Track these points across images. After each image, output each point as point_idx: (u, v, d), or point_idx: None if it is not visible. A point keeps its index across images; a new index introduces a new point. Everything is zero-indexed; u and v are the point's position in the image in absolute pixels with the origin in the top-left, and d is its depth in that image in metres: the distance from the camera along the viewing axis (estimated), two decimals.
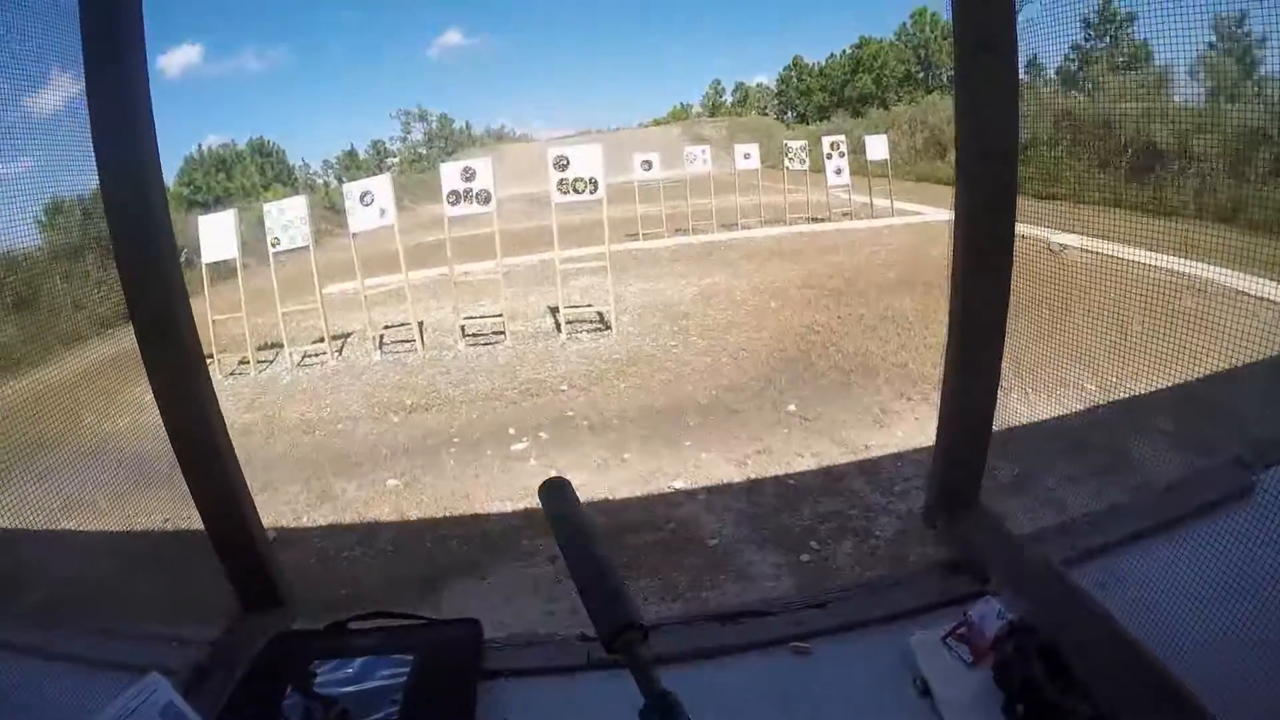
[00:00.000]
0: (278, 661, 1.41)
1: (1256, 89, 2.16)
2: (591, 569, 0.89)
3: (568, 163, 8.98)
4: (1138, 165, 2.60)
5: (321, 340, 8.93)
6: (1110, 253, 1.75)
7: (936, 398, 6.11)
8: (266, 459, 6.16)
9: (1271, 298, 1.79)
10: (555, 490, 1.06)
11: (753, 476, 5.85)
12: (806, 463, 6.04)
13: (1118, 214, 1.81)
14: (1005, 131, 1.60)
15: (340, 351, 8.97)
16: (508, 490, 5.65)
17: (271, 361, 9.09)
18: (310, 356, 8.95)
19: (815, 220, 15.24)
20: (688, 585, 4.56)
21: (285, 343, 8.99)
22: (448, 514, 5.36)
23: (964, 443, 1.86)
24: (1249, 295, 1.89)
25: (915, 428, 6.52)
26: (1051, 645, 1.38)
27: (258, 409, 7.43)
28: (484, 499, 5.54)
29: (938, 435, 1.89)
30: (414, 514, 5.35)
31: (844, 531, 5.13)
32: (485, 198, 8.77)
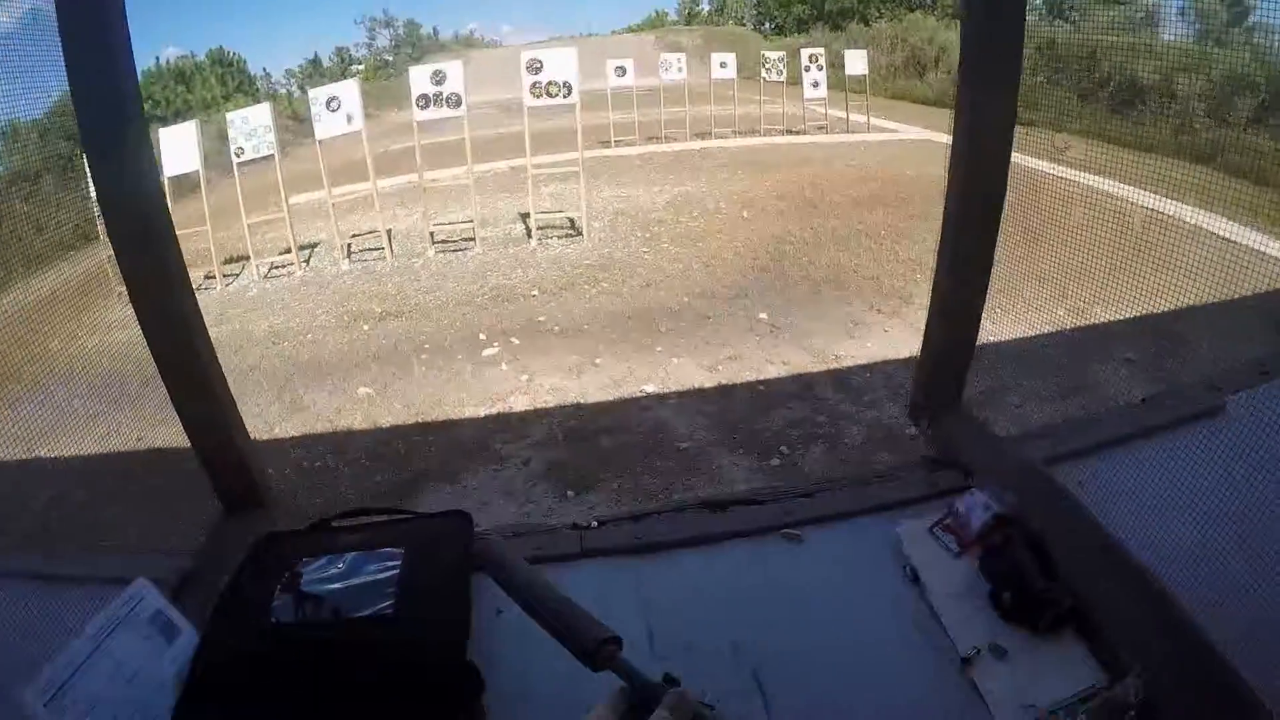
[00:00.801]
0: (264, 563, 1.36)
1: (1245, 36, 2.16)
2: (550, 605, 0.99)
3: (541, 66, 8.69)
4: (1120, 99, 2.59)
5: (288, 251, 8.68)
6: (1085, 183, 1.75)
7: (907, 311, 6.23)
8: (237, 371, 6.04)
9: (1239, 240, 1.82)
10: (486, 548, 1.15)
11: (724, 382, 5.90)
12: (777, 370, 6.11)
13: (1097, 145, 1.80)
14: (1010, 58, 1.57)
15: (308, 262, 8.76)
16: (480, 395, 5.65)
17: (238, 275, 8.83)
18: (277, 268, 8.73)
19: (790, 133, 15.01)
20: (660, 487, 4.65)
21: (251, 255, 8.71)
22: (420, 420, 5.36)
23: (951, 345, 1.89)
24: (1216, 235, 1.91)
25: (885, 340, 6.60)
26: (1038, 538, 1.43)
27: (226, 322, 7.25)
28: (456, 404, 5.54)
29: (925, 337, 1.92)
30: (386, 421, 5.33)
31: (813, 438, 5.23)
32: (456, 101, 8.48)
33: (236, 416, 1.67)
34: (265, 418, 5.36)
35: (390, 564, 1.31)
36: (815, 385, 5.92)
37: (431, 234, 8.78)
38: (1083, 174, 1.89)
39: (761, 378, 5.99)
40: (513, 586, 1.06)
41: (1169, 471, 1.73)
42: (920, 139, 14.05)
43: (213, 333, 1.64)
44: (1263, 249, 1.78)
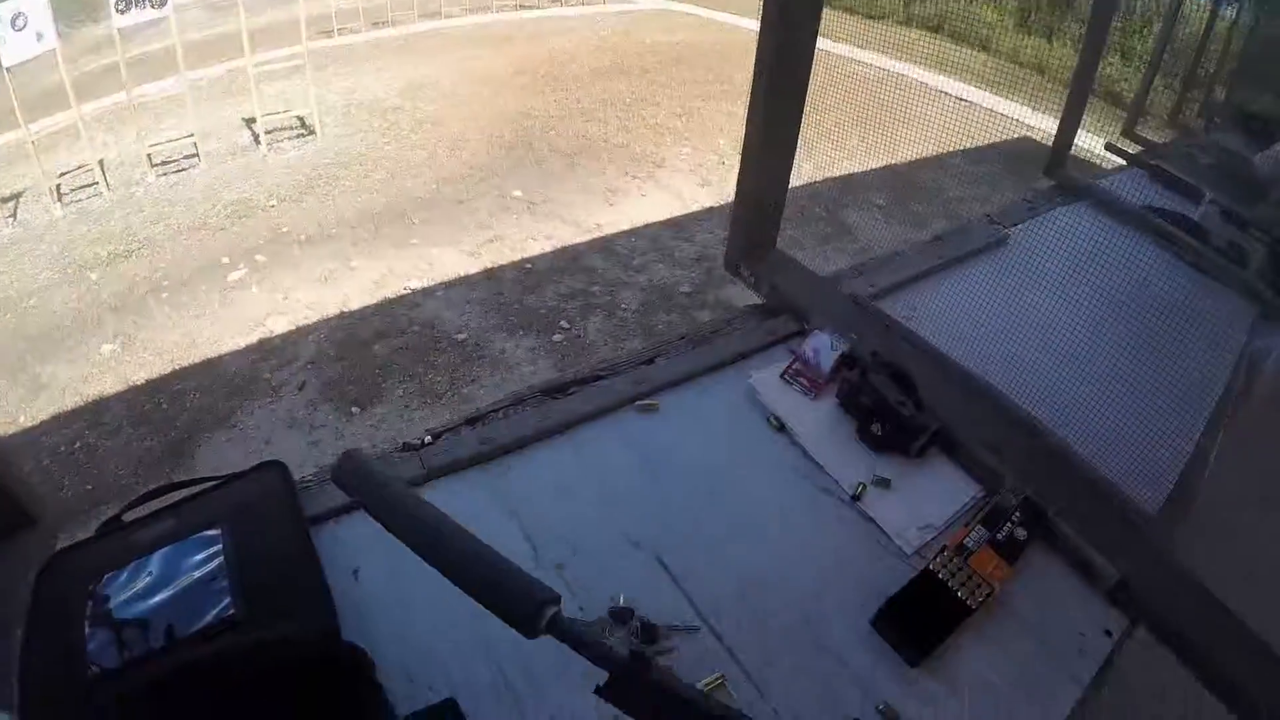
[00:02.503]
0: (59, 596, 1.01)
1: None
2: (474, 562, 0.79)
3: None
4: None
5: None
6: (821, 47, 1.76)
7: (661, 175, 6.26)
8: None
9: (967, 98, 1.92)
10: (359, 474, 0.88)
11: (489, 265, 5.69)
12: (541, 246, 5.98)
13: (832, 13, 1.80)
14: None
15: (14, 216, 7.24)
16: (235, 325, 5.02)
17: None
18: None
19: (524, 7, 14.33)
20: (447, 384, 4.46)
21: None
22: (176, 366, 4.66)
23: (766, 195, 1.87)
24: (949, 95, 2.01)
25: (643, 204, 6.65)
26: (897, 367, 1.45)
27: None
28: (212, 340, 4.88)
29: (737, 193, 1.88)
30: (140, 377, 4.60)
31: (590, 308, 5.22)
32: (161, 0, 7.23)
33: None
34: (5, 408, 4.50)
35: (211, 550, 1.04)
36: (582, 257, 5.87)
37: (149, 156, 7.56)
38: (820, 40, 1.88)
39: (526, 256, 5.84)
40: (414, 533, 0.82)
41: (975, 295, 1.84)
42: (657, 9, 13.94)
43: None
44: (993, 107, 1.88)
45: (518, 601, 0.74)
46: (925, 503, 1.33)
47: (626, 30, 12.52)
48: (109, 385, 4.58)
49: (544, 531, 1.24)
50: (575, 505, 1.30)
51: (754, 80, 1.69)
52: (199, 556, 1.03)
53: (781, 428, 1.48)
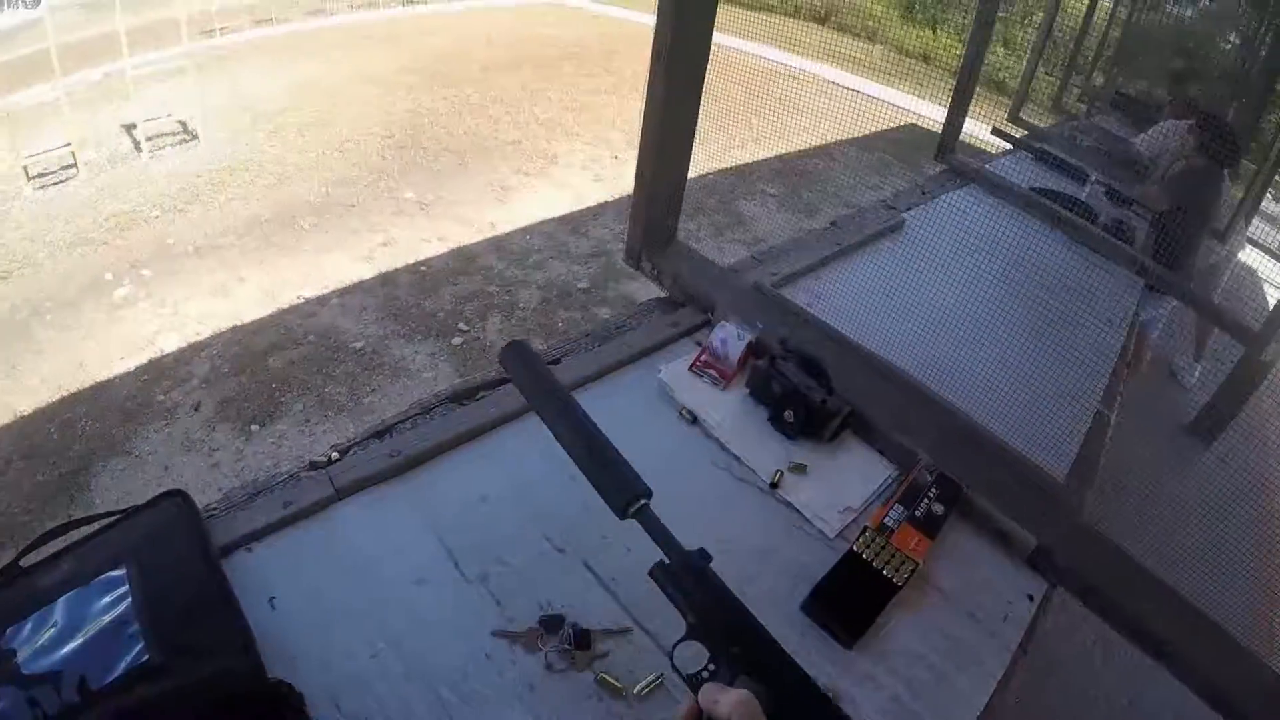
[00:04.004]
0: None
1: None
2: (590, 445, 0.98)
3: None
4: None
5: None
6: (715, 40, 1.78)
7: (554, 170, 6.22)
8: None
9: (855, 88, 1.97)
10: (520, 357, 1.06)
11: (383, 270, 5.53)
12: (435, 248, 5.85)
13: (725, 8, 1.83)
14: None
15: None
16: (124, 345, 4.70)
17: None
18: None
19: (410, 2, 14.02)
20: (347, 395, 4.30)
21: None
22: (66, 393, 4.34)
23: (665, 188, 1.86)
24: (834, 83, 2.05)
25: (537, 200, 6.58)
26: (805, 354, 1.45)
27: None
28: (100, 362, 4.56)
29: (636, 185, 1.86)
30: (26, 407, 4.25)
31: (488, 309, 5.14)
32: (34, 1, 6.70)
33: None
34: None
35: (118, 592, 0.96)
36: (477, 257, 5.77)
37: (25, 169, 7.05)
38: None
39: (420, 258, 5.69)
40: (547, 409, 1.04)
41: (875, 279, 1.87)
42: (547, 2, 13.82)
43: None
44: (880, 96, 1.93)
45: (620, 488, 0.95)
46: (843, 485, 1.34)
47: (513, 25, 12.39)
48: None
49: (466, 543, 1.19)
50: (495, 514, 1.25)
51: (651, 71, 1.67)
52: (106, 600, 0.95)
53: (694, 420, 1.46)
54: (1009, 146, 2.85)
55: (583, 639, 1.04)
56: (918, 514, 1.23)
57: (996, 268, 1.79)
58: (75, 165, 7.04)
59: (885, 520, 1.21)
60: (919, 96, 2.82)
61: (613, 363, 1.61)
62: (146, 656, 0.89)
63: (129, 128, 7.69)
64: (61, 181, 6.93)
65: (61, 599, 0.96)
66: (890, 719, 1.01)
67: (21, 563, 1.05)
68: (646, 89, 1.71)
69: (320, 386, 4.38)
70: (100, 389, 4.36)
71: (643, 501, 0.92)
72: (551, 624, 1.06)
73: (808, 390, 1.40)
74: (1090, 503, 1.42)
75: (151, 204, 6.45)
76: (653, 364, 1.61)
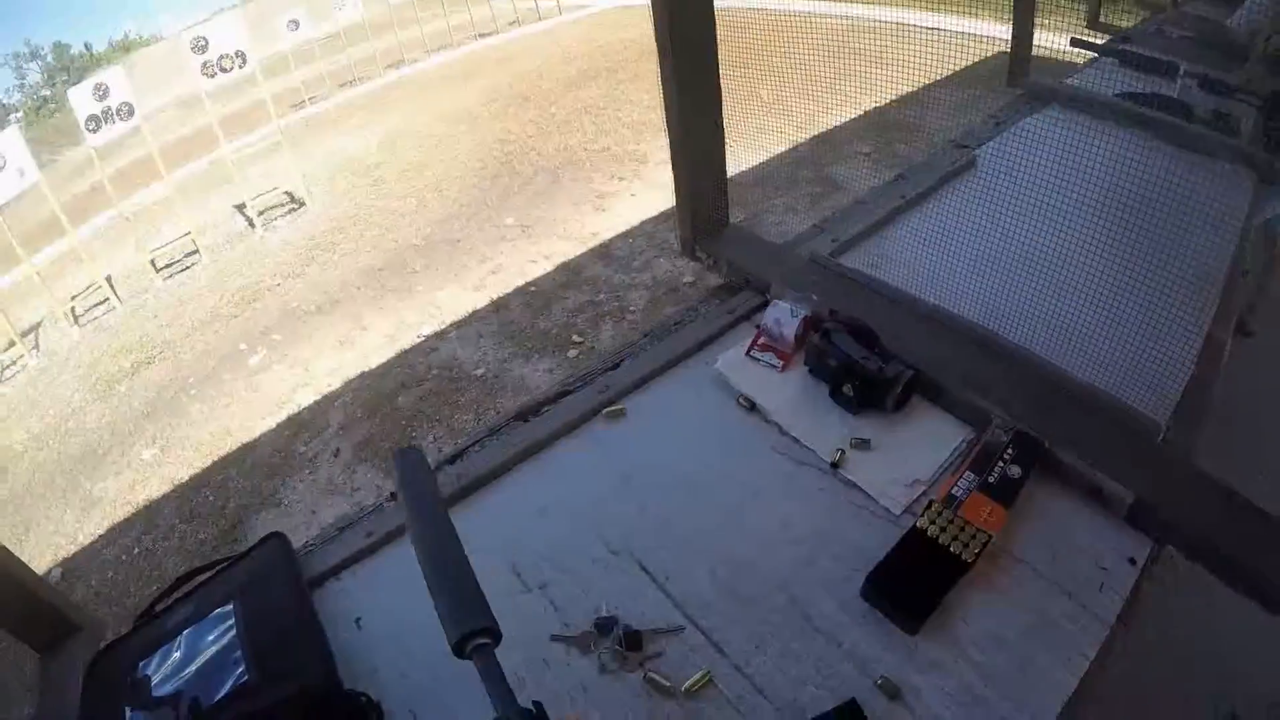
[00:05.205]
0: (104, 684, 1.14)
1: None
2: (440, 565, 0.85)
3: (207, 43, 7.59)
4: None
5: (13, 344, 7.21)
6: (781, 8, 1.69)
7: (646, 170, 6.18)
8: (13, 497, 5.06)
9: (934, 25, 1.84)
10: (406, 466, 0.95)
11: (494, 296, 5.68)
12: (541, 266, 5.94)
13: None
14: None
15: (37, 347, 7.37)
16: (263, 406, 5.09)
17: None
18: (8, 367, 7.14)
19: (483, 35, 14.32)
20: (474, 421, 4.44)
21: None
22: (216, 458, 4.75)
23: (703, 175, 1.81)
24: (914, 26, 1.93)
25: (634, 203, 6.58)
26: (856, 322, 1.37)
27: None
28: (244, 426, 4.96)
29: (675, 177, 1.82)
30: (184, 475, 4.70)
31: (599, 317, 5.17)
32: (128, 111, 7.17)
33: (8, 557, 1.32)
34: (64, 530, 4.59)
35: (226, 625, 1.12)
36: (583, 268, 5.82)
37: (153, 262, 7.70)
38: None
39: (529, 279, 5.80)
40: (416, 517, 0.90)
41: (944, 228, 1.75)
42: (614, 6, 13.89)
43: None
44: (960, 29, 1.80)
45: (459, 620, 0.78)
46: (910, 457, 1.24)
47: (587, 35, 12.49)
48: (155, 489, 4.69)
49: (526, 554, 1.21)
50: (553, 524, 1.27)
51: (660, 67, 1.63)
52: (216, 632, 1.11)
53: (752, 407, 1.41)
54: (1094, 56, 2.60)
55: (633, 640, 1.05)
56: (991, 480, 1.12)
57: (1079, 192, 1.62)
58: (197, 251, 7.60)
59: (953, 490, 1.11)
60: (1003, 22, 2.64)
61: (669, 360, 1.58)
62: (246, 678, 1.02)
63: (240, 207, 8.24)
64: (186, 268, 7.52)
65: (182, 634, 1.13)
66: (961, 709, 0.92)
67: (155, 609, 1.26)
68: (661, 86, 1.67)
69: (448, 416, 4.54)
70: (246, 449, 4.70)
71: (484, 641, 0.78)
72: (605, 626, 1.07)
73: (863, 360, 1.31)
74: (1201, 444, 1.25)
75: (272, 273, 6.89)
76: (711, 355, 1.58)
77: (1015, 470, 1.13)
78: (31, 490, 5.13)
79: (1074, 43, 2.53)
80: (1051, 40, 2.51)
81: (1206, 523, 1.07)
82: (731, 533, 1.19)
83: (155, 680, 1.08)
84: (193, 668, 1.07)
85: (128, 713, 1.04)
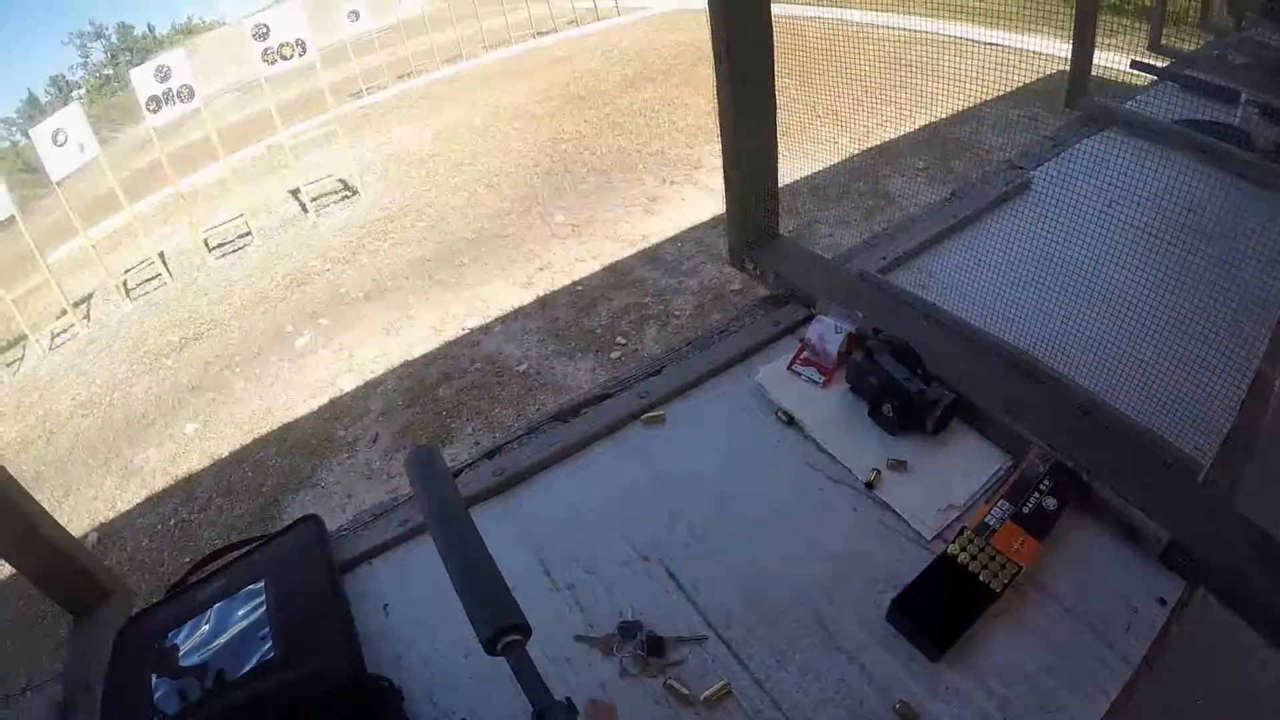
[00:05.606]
0: (132, 652, 1.17)
1: None
2: (469, 563, 0.84)
3: (268, 30, 7.77)
4: None
5: (65, 313, 7.47)
6: (841, 17, 1.68)
7: (698, 175, 6.18)
8: (56, 460, 5.30)
9: (993, 41, 1.82)
10: (423, 464, 0.94)
11: (541, 293, 5.75)
12: (589, 266, 6.00)
13: None
14: None
15: (88, 317, 7.60)
16: (306, 389, 5.23)
17: (21, 359, 7.30)
18: (59, 335, 7.41)
19: (540, 34, 14.43)
20: (514, 416, 4.50)
21: (28, 332, 7.33)
22: (256, 436, 4.91)
23: (755, 183, 1.81)
24: (973, 41, 1.92)
25: (685, 208, 6.60)
26: (900, 343, 1.36)
27: (25, 414, 6.10)
28: (286, 407, 5.10)
29: (726, 186, 1.82)
30: (224, 450, 4.84)
31: (644, 320, 5.19)
32: (188, 94, 7.43)
33: (45, 518, 1.37)
34: (104, 497, 4.76)
35: (256, 602, 1.15)
36: (631, 270, 5.86)
37: (205, 242, 7.91)
38: (833, 9, 1.81)
39: (576, 278, 5.86)
40: (435, 516, 0.90)
41: (994, 250, 1.73)
42: (672, 10, 13.91)
43: (14, 429, 1.32)
44: (1019, 46, 1.78)
45: (491, 617, 0.78)
46: (945, 482, 1.24)
47: (644, 37, 12.54)
48: (196, 462, 4.83)
49: (557, 555, 1.24)
50: (585, 525, 1.29)
51: (716, 73, 1.64)
52: (246, 608, 1.13)
53: (791, 421, 1.41)
54: (1155, 79, 2.55)
55: (656, 646, 1.06)
56: (1025, 510, 1.11)
57: (1133, 217, 1.59)
58: (250, 233, 7.77)
59: (986, 519, 1.10)
60: (1063, 40, 2.61)
61: (710, 369, 1.59)
62: (273, 654, 1.05)
63: (294, 192, 8.42)
64: (239, 249, 7.69)
65: (213, 608, 1.16)
66: None
67: (188, 581, 1.29)
68: (716, 93, 1.68)
69: (488, 410, 4.60)
70: (287, 429, 4.82)
71: (516, 638, 0.78)
72: (628, 630, 1.09)
73: (905, 381, 1.31)
74: (1244, 488, 1.23)
75: (322, 258, 7.03)
76: (752, 366, 1.59)
77: (1051, 502, 1.12)
78: (74, 456, 5.31)
79: (1135, 65, 2.49)
80: (1112, 60, 2.48)
81: (1242, 569, 1.05)
82: (761, 545, 1.19)
83: (183, 650, 1.11)
84: (221, 641, 1.09)
85: (154, 679, 1.07)
